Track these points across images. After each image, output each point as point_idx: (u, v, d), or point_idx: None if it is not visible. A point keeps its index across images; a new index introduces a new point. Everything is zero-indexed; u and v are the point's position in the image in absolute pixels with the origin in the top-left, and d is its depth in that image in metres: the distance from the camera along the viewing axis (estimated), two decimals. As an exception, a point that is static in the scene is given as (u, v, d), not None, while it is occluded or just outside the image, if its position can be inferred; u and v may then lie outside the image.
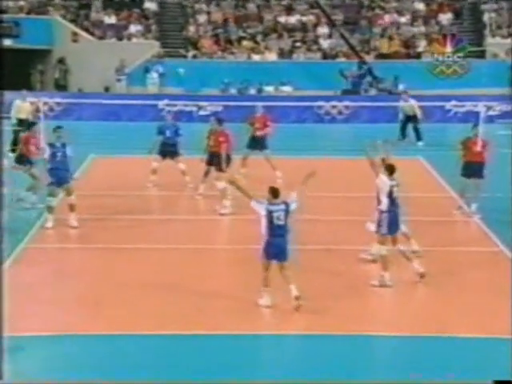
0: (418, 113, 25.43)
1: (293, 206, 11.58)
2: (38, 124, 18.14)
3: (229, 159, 17.24)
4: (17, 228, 15.18)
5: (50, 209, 15.62)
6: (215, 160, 17.18)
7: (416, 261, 12.82)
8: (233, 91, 30.90)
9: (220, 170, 17.06)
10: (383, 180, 12.67)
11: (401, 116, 25.89)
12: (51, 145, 15.65)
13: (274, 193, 11.54)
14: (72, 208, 15.60)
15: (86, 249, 14.66)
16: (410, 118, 25.62)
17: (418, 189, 18.73)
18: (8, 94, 26.22)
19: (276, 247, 11.50)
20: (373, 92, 31.00)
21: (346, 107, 29.60)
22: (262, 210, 11.48)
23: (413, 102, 25.56)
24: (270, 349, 10.73)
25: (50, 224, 15.51)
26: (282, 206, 11.50)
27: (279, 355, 10.48)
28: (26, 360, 9.93)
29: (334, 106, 29.69)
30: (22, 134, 17.95)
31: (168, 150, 18.77)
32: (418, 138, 25.47)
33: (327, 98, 29.70)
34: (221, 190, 16.78)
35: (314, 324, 11.14)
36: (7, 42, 31.45)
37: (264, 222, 11.46)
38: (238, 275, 13.05)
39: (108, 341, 10.56)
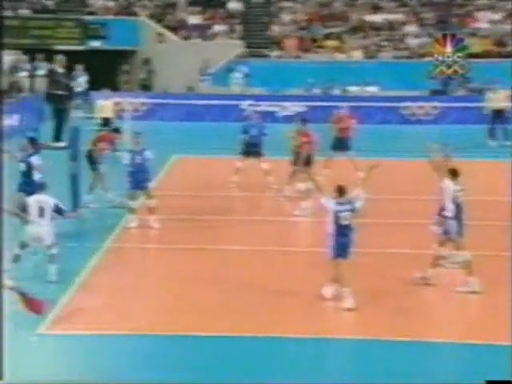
0: (507, 105, 24.57)
1: (358, 205, 11.64)
2: (121, 131, 18.35)
3: (309, 159, 16.97)
4: (98, 228, 15.46)
5: (131, 210, 15.71)
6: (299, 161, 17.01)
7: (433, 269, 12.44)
8: (317, 91, 30.60)
9: (301, 169, 16.81)
10: (447, 185, 12.35)
11: (487, 111, 25.07)
12: (131, 151, 15.76)
13: (341, 191, 11.64)
14: (151, 211, 15.62)
15: (167, 249, 14.63)
16: (498, 115, 24.80)
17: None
18: (95, 94, 26.67)
19: (340, 246, 11.60)
20: (461, 92, 30.22)
21: (434, 108, 28.93)
22: (330, 207, 11.62)
23: (503, 93, 24.73)
24: (330, 352, 10.61)
25: (133, 224, 15.60)
26: (348, 206, 11.59)
27: (339, 359, 10.48)
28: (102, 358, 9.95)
29: (420, 107, 29.06)
30: (102, 133, 18.14)
31: (252, 150, 18.63)
32: (507, 137, 24.65)
33: (414, 99, 29.09)
34: (301, 192, 16.57)
35: (377, 329, 10.98)
36: (95, 44, 32.03)
37: (331, 221, 11.58)
38: (316, 278, 12.76)
39: (183, 341, 10.53)
